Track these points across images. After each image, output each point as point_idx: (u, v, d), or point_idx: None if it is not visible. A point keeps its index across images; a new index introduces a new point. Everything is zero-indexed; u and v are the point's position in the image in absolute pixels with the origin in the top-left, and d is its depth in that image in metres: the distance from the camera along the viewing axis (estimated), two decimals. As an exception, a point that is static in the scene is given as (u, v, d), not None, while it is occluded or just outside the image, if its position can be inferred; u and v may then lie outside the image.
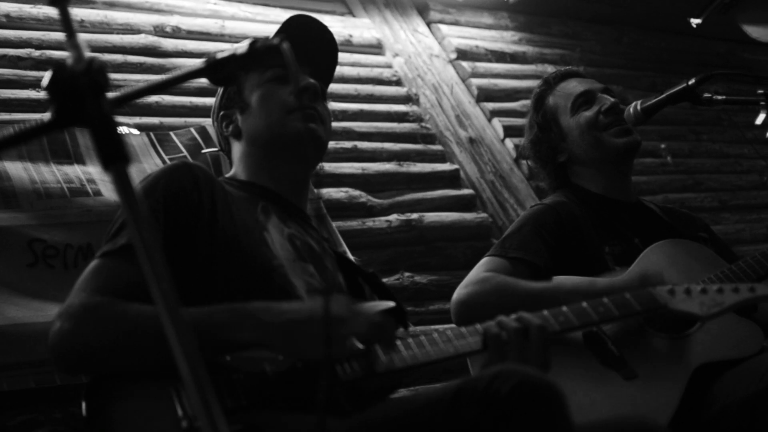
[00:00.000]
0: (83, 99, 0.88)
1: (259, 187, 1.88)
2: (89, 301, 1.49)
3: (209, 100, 3.16)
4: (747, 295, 1.75)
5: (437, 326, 2.93)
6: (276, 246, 1.73)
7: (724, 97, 2.41)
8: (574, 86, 2.58)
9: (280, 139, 1.88)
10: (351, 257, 2.03)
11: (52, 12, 3.02)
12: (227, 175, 1.97)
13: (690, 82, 2.36)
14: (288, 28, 1.97)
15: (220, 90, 2.08)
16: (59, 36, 3.06)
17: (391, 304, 1.74)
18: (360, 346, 1.49)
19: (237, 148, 1.97)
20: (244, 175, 1.92)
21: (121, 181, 0.87)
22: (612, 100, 2.51)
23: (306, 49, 1.85)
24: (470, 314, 2.13)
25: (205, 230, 1.64)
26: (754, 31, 4.56)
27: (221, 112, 2.02)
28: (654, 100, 2.41)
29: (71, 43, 0.91)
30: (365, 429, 1.47)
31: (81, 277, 1.56)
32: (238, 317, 1.46)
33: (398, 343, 1.55)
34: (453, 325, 2.11)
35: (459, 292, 2.24)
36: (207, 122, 2.93)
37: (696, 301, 1.73)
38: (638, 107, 2.42)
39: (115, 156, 0.88)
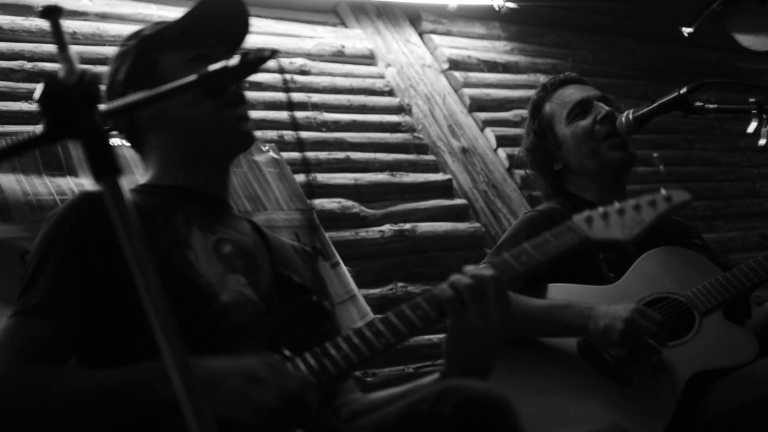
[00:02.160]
0: (75, 111, 0.88)
1: (179, 188, 1.73)
2: (8, 370, 1.41)
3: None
4: (665, 207, 1.68)
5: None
6: (201, 263, 1.60)
7: (715, 105, 2.42)
8: (571, 94, 2.57)
9: (213, 138, 1.73)
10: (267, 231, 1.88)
11: (44, 24, 3.02)
12: (141, 182, 1.80)
13: (682, 91, 2.37)
14: (203, 5, 1.79)
15: (119, 64, 1.86)
16: (51, 48, 3.06)
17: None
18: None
19: (154, 141, 1.78)
20: (161, 178, 1.76)
21: (113, 192, 0.87)
22: (607, 108, 2.49)
23: (222, 24, 1.76)
24: None
25: (124, 266, 1.49)
26: (746, 40, 4.58)
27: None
28: (646, 109, 2.41)
29: (63, 56, 0.91)
30: None
31: None
32: (156, 374, 1.33)
33: (362, 330, 1.49)
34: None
35: None
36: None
37: (617, 226, 1.65)
38: (630, 116, 2.42)
39: (106, 168, 0.88)
